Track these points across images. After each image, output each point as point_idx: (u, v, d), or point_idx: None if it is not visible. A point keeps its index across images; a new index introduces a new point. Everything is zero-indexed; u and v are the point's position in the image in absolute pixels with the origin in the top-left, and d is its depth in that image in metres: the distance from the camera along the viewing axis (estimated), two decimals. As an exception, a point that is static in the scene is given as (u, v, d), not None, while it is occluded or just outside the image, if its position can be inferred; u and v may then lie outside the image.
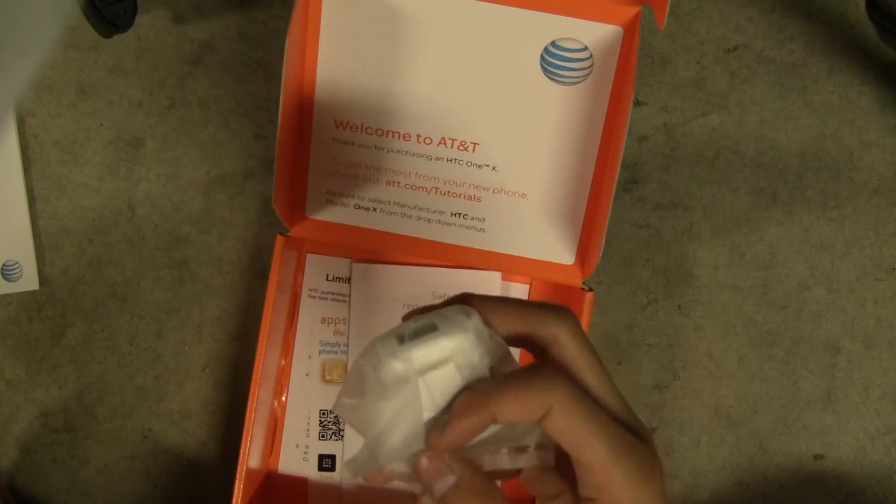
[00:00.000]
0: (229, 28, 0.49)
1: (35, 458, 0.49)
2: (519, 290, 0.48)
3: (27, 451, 0.49)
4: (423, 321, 0.29)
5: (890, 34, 0.45)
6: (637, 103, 0.49)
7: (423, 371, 0.28)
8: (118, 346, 0.49)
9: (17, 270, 0.49)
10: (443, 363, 0.28)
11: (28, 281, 0.49)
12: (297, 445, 0.48)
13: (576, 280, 0.45)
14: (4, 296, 0.49)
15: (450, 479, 0.29)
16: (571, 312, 0.31)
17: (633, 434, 0.29)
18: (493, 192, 0.45)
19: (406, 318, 0.31)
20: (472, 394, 0.29)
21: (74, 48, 0.49)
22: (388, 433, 0.28)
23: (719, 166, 0.49)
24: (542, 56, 0.42)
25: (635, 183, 0.49)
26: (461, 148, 0.44)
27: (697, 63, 0.49)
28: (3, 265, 0.48)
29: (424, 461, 0.29)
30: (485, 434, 0.29)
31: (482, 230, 0.46)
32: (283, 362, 0.48)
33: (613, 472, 0.28)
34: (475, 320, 0.29)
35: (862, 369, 0.49)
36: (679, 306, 0.49)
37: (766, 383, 0.49)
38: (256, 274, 0.49)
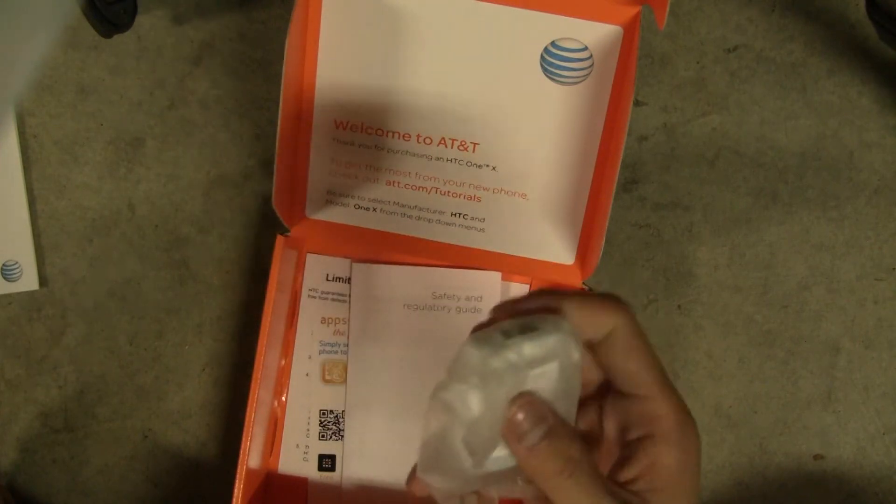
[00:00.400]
0: (229, 28, 0.49)
1: (35, 458, 0.49)
2: (519, 290, 0.48)
3: (27, 451, 0.49)
4: (522, 321, 0.29)
5: (890, 34, 0.45)
6: (637, 103, 0.49)
7: (532, 365, 0.29)
8: (118, 346, 0.49)
9: (17, 270, 0.49)
10: (547, 360, 0.29)
11: (28, 281, 0.49)
12: (297, 445, 0.48)
13: (576, 280, 0.45)
14: (4, 296, 0.49)
15: (544, 427, 0.29)
16: (627, 305, 0.31)
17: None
18: (493, 192, 0.45)
19: (494, 317, 0.31)
20: (547, 292, 0.30)
21: (74, 48, 0.49)
22: (485, 420, 0.29)
23: (719, 166, 0.49)
24: (542, 56, 0.42)
25: (635, 183, 0.49)
26: (461, 148, 0.44)
27: (697, 63, 0.49)
28: (3, 265, 0.48)
29: (521, 407, 0.29)
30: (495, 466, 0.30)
31: (482, 230, 0.46)
32: (283, 362, 0.48)
33: (668, 402, 0.29)
34: (569, 324, 0.29)
35: (862, 369, 0.49)
36: (679, 306, 0.49)
37: (766, 383, 0.49)
38: (256, 274, 0.49)
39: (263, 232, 0.49)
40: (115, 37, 0.46)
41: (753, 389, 0.49)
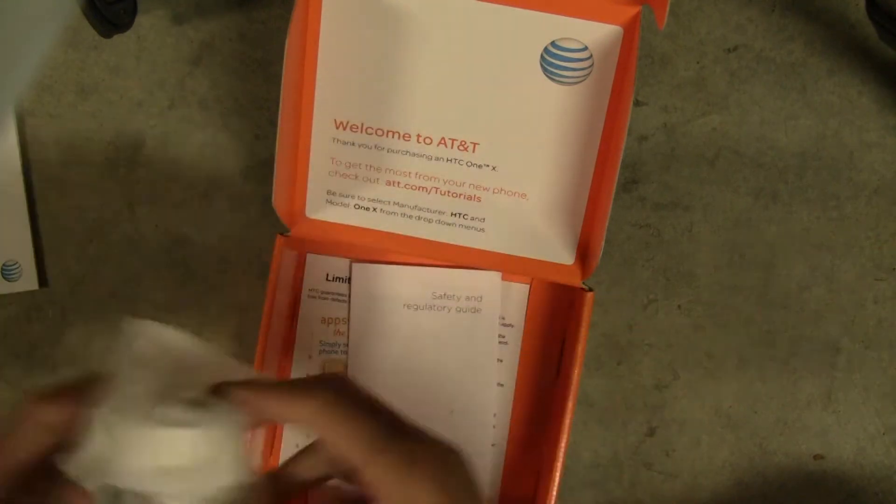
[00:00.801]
0: (229, 28, 0.49)
1: (35, 458, 0.49)
2: (519, 290, 0.48)
3: (27, 451, 0.49)
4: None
5: (890, 34, 0.45)
6: (637, 103, 0.49)
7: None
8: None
9: (17, 270, 0.49)
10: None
11: (28, 281, 0.49)
12: (298, 445, 0.48)
13: (576, 280, 0.45)
14: (4, 296, 0.49)
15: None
16: (331, 382, 0.31)
17: (396, 431, 0.30)
18: (493, 192, 0.45)
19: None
20: (253, 388, 0.30)
21: (74, 48, 0.49)
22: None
23: (719, 166, 0.49)
24: (542, 56, 0.42)
25: (635, 183, 0.49)
26: (461, 148, 0.44)
27: (697, 63, 0.49)
28: (3, 265, 0.48)
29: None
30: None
31: (482, 230, 0.46)
32: (283, 362, 0.48)
33: (377, 466, 0.29)
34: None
35: (862, 369, 0.49)
36: (679, 306, 0.49)
37: (766, 383, 0.49)
38: (256, 274, 0.49)
39: (263, 232, 0.49)
40: (115, 37, 0.46)
41: (753, 389, 0.49)
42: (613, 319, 0.49)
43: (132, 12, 0.43)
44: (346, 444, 0.29)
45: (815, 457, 0.49)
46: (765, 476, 0.49)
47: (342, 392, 0.30)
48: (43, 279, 0.49)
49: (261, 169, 0.49)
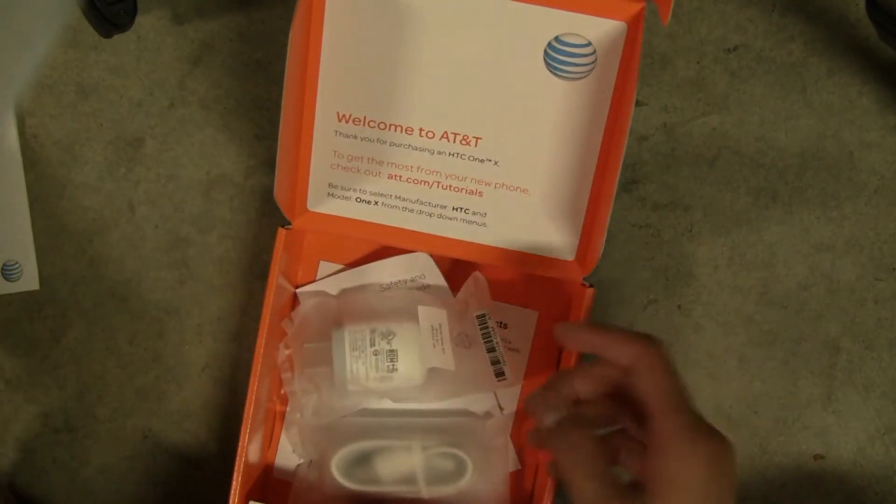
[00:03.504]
0: (229, 28, 0.49)
1: (35, 458, 0.49)
2: (527, 316, 0.48)
3: (27, 451, 0.49)
4: None
5: (890, 34, 0.45)
6: (637, 103, 0.49)
7: None
8: (118, 346, 0.49)
9: (17, 270, 0.49)
10: None
11: (28, 281, 0.49)
12: (293, 451, 0.48)
13: (576, 276, 0.45)
14: (4, 296, 0.49)
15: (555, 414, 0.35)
16: (654, 339, 0.35)
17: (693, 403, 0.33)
18: (495, 186, 0.45)
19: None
20: (585, 325, 0.37)
21: (74, 48, 0.49)
22: None
23: (719, 166, 0.49)
24: (545, 51, 0.42)
25: (635, 183, 0.49)
26: (464, 142, 0.44)
27: (697, 63, 0.49)
28: (3, 265, 0.49)
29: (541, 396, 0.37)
30: None
31: (484, 225, 0.46)
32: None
33: (671, 420, 0.32)
34: None
35: (862, 369, 0.49)
36: (679, 306, 0.49)
37: (766, 383, 0.49)
38: (256, 274, 0.49)
39: (263, 232, 0.49)
40: (115, 37, 0.46)
41: (753, 389, 0.49)
42: (613, 319, 0.49)
43: (132, 12, 0.43)
44: (658, 391, 0.33)
45: (815, 457, 0.49)
46: (765, 476, 0.49)
47: (666, 349, 0.34)
48: (43, 279, 0.49)
49: (261, 169, 0.49)
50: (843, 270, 0.49)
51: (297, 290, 0.48)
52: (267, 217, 0.49)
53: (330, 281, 0.48)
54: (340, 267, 0.48)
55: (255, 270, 0.49)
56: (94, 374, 0.49)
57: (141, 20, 0.48)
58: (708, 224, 0.49)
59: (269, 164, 0.49)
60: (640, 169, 0.49)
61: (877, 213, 0.49)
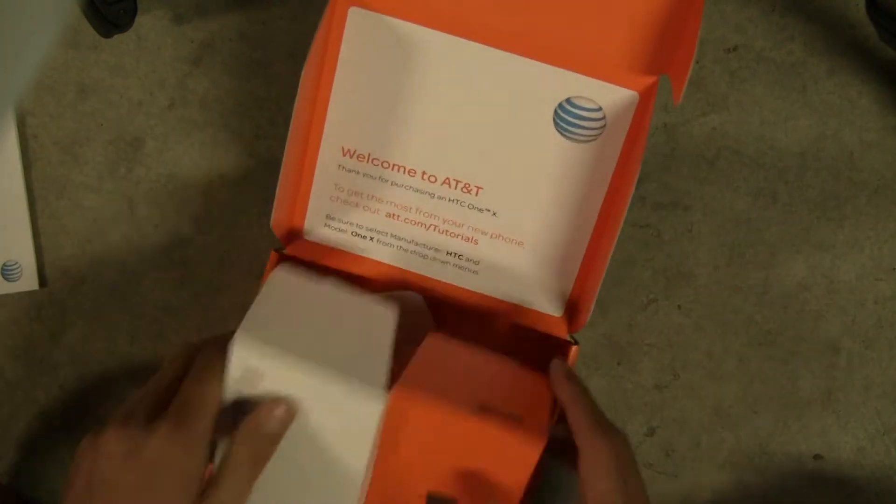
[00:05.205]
0: (229, 28, 0.49)
1: (35, 458, 0.49)
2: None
3: (27, 451, 0.49)
4: None
5: (890, 34, 0.45)
6: (637, 103, 0.49)
7: None
8: (118, 346, 0.49)
9: (17, 270, 0.49)
10: None
11: (28, 281, 0.49)
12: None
13: (561, 332, 0.45)
14: (4, 296, 0.49)
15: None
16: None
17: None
18: (491, 236, 0.45)
19: None
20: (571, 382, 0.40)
21: (74, 48, 0.49)
22: None
23: (719, 166, 0.49)
24: (556, 111, 0.42)
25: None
26: (465, 190, 0.44)
27: (697, 63, 0.49)
28: (3, 265, 0.49)
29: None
30: None
31: (475, 272, 0.46)
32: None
33: (582, 424, 0.36)
34: None
35: (862, 369, 0.49)
36: (679, 306, 0.49)
37: (766, 383, 0.49)
38: (256, 274, 0.49)
39: (263, 232, 0.49)
40: (115, 37, 0.46)
41: (753, 389, 0.49)
42: (613, 319, 0.49)
43: (132, 12, 0.43)
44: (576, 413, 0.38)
45: (815, 457, 0.49)
46: (765, 476, 0.49)
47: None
48: (43, 279, 0.49)
49: (261, 169, 0.49)
50: (843, 270, 0.49)
51: None
52: (266, 217, 0.49)
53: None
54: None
55: (255, 270, 0.49)
56: (94, 374, 0.49)
57: (141, 20, 0.48)
58: (708, 224, 0.49)
59: (269, 164, 0.49)
60: (641, 169, 0.49)
61: (877, 213, 0.49)
